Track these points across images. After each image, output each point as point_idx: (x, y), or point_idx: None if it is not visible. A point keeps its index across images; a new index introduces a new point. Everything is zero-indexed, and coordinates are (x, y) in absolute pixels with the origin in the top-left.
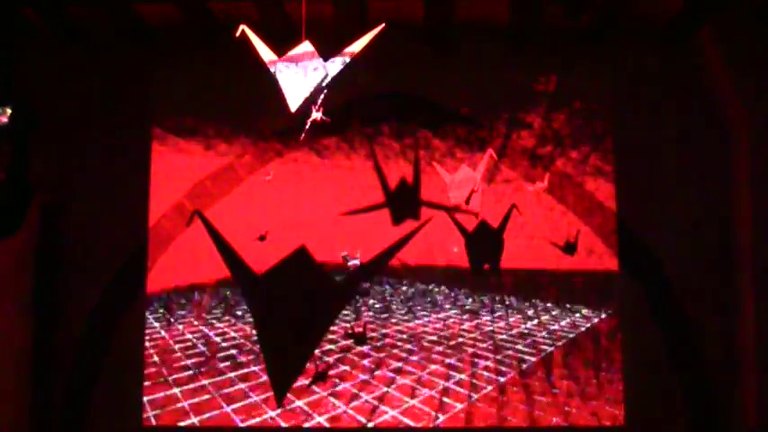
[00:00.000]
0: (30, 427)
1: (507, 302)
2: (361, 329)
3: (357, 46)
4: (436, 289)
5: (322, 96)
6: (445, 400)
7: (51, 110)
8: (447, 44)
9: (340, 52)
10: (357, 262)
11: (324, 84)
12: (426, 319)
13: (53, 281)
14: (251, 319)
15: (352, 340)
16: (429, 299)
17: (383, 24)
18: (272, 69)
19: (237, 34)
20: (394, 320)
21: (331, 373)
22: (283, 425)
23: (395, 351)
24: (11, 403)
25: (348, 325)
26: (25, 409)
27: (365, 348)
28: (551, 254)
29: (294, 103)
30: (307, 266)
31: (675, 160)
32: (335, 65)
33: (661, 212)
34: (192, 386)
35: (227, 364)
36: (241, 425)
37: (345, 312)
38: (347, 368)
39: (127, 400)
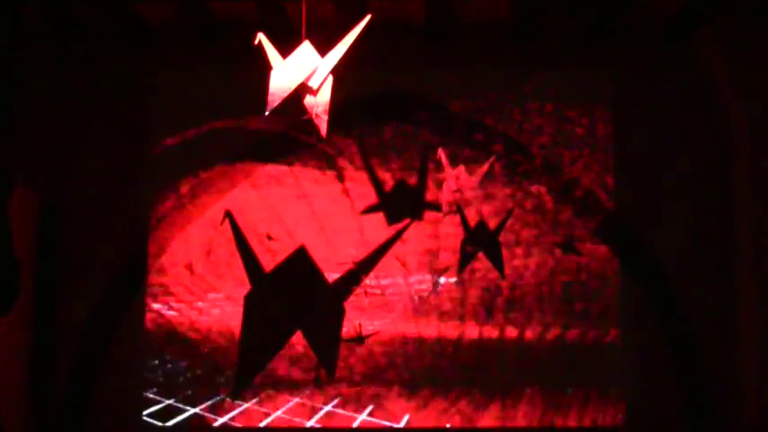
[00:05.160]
0: (31, 427)
1: (506, 300)
2: (358, 330)
3: (346, 43)
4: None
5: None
6: (442, 395)
7: (51, 110)
8: (447, 44)
9: (331, 51)
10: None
11: (313, 84)
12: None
13: (53, 280)
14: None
15: (354, 341)
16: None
17: (369, 16)
18: (273, 73)
19: (256, 42)
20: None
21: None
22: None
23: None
24: (11, 403)
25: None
26: (26, 409)
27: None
28: (551, 253)
29: (270, 105)
30: (305, 267)
31: (675, 160)
32: (325, 64)
33: (661, 212)
34: (191, 386)
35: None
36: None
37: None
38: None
39: (127, 400)
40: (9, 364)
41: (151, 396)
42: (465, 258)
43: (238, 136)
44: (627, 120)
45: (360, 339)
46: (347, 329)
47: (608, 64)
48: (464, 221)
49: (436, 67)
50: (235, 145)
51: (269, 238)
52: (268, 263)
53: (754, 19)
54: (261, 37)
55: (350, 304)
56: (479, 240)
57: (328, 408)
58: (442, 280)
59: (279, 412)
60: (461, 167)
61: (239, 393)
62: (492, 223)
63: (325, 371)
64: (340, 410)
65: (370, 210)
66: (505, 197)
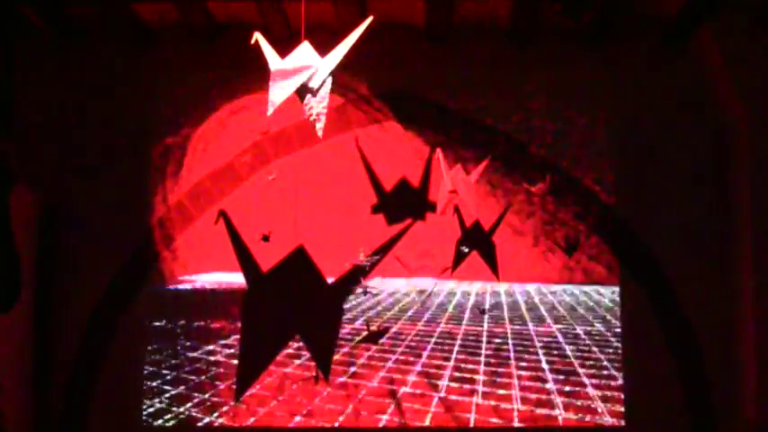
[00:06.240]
0: (32, 427)
1: (505, 301)
2: (375, 328)
3: (347, 43)
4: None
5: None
6: (444, 396)
7: (51, 110)
8: (447, 44)
9: (331, 51)
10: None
11: (313, 84)
12: (423, 317)
13: (53, 280)
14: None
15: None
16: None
17: (371, 17)
18: (272, 73)
19: (252, 42)
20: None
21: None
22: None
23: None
24: (13, 402)
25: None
26: (27, 408)
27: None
28: (550, 254)
29: (270, 106)
30: (305, 266)
31: (675, 160)
32: (325, 65)
33: (661, 212)
34: (191, 387)
35: (230, 361)
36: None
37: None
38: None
39: (127, 401)
40: (10, 363)
41: (151, 396)
42: (460, 258)
43: (238, 136)
44: (626, 120)
45: (373, 339)
46: (351, 330)
47: (608, 64)
48: (460, 221)
49: (436, 67)
50: (234, 145)
51: (264, 238)
52: (266, 263)
53: (754, 19)
54: (258, 36)
55: (352, 304)
56: (475, 240)
57: (328, 407)
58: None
59: (278, 412)
60: (458, 167)
61: (241, 395)
62: (489, 223)
63: (322, 371)
64: (340, 409)
65: (372, 210)
66: (503, 197)
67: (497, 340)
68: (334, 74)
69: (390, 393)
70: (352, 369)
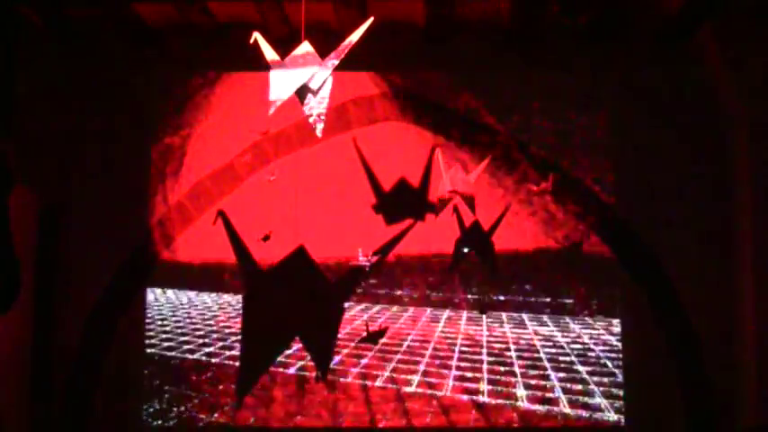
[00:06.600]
0: (31, 428)
1: (505, 302)
2: (376, 328)
3: (346, 45)
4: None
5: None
6: (444, 396)
7: (51, 110)
8: (447, 44)
9: (331, 51)
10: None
11: (313, 84)
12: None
13: (53, 280)
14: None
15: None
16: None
17: (371, 18)
18: (272, 73)
19: (251, 41)
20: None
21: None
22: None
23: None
24: (12, 403)
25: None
26: (26, 409)
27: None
28: (550, 254)
29: (271, 106)
30: (305, 266)
31: (675, 160)
32: (324, 66)
33: (661, 212)
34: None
35: (230, 362)
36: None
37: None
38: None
39: (127, 400)
40: (10, 363)
41: (151, 396)
42: (458, 258)
43: (238, 136)
44: (626, 119)
45: (373, 339)
46: (351, 330)
47: (608, 64)
48: (459, 221)
49: (436, 67)
50: (234, 145)
51: (265, 238)
52: (266, 263)
53: (754, 19)
54: (257, 36)
55: (352, 304)
56: (474, 240)
57: (328, 407)
58: None
59: (278, 412)
60: (457, 167)
61: (242, 400)
62: (488, 223)
63: (321, 372)
64: (341, 409)
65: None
66: (502, 197)
67: (497, 340)
68: (334, 74)
69: (391, 394)
70: (353, 369)
